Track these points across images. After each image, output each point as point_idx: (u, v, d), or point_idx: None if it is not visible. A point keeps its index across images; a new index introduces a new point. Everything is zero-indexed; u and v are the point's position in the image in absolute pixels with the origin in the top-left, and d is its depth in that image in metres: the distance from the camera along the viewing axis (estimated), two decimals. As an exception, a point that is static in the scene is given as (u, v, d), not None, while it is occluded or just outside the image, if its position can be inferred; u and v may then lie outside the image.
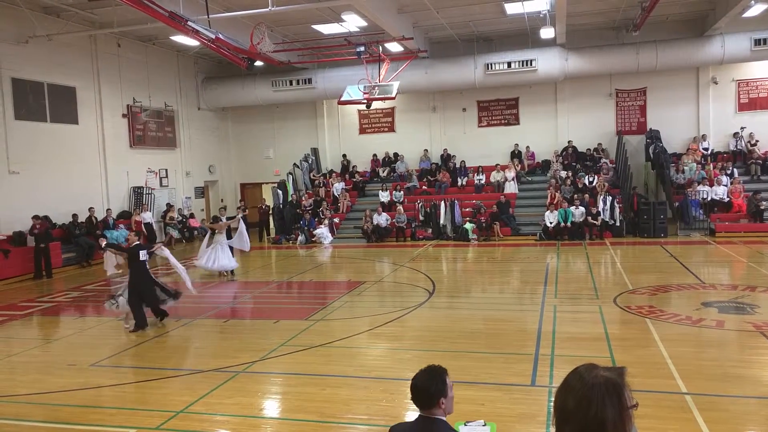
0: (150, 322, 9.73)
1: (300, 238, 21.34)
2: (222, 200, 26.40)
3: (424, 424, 2.95)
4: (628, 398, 1.77)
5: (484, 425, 3.12)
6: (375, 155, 25.01)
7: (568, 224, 19.01)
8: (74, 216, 17.86)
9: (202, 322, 10.28)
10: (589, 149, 22.92)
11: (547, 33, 19.50)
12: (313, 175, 24.86)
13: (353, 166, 25.18)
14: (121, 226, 19.39)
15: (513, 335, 8.73)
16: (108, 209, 19.37)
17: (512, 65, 21.79)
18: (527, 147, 23.53)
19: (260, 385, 7.08)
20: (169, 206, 22.40)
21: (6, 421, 6.18)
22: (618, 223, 19.33)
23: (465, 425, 3.14)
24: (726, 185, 19.75)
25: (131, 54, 21.15)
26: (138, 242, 10.12)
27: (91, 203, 18.71)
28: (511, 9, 18.71)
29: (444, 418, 2.97)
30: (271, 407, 6.56)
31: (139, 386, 7.11)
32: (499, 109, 24.25)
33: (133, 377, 7.49)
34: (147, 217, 20.45)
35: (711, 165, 20.78)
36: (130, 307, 9.57)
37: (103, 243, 10.62)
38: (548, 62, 21.54)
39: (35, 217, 16.20)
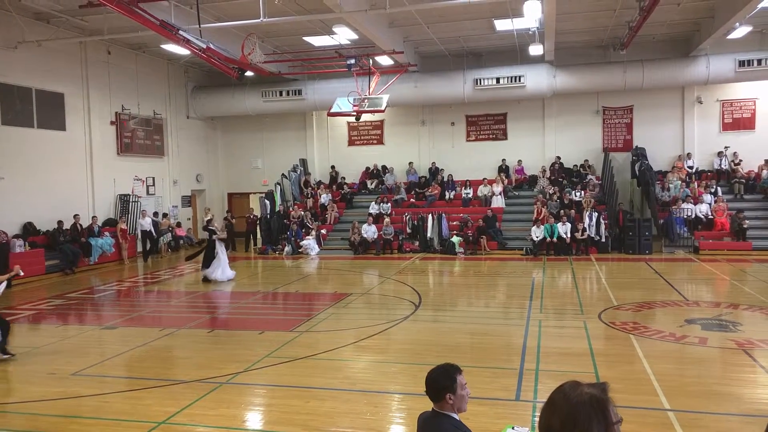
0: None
1: (287, 248, 21.27)
2: (209, 209, 26.27)
3: (433, 416, 3.12)
4: (613, 414, 1.78)
5: None
6: (368, 167, 25.06)
7: (554, 239, 19.13)
8: (59, 223, 17.70)
9: (186, 332, 10.20)
10: (575, 165, 23.14)
11: (535, 50, 19.72)
12: (309, 179, 24.82)
13: (342, 178, 25.21)
14: (107, 233, 19.25)
15: (498, 349, 8.74)
16: (94, 216, 19.20)
17: (501, 81, 21.99)
18: (519, 161, 23.67)
19: (244, 397, 7.02)
20: (165, 215, 22.36)
21: (-16, 430, 6.09)
22: (603, 239, 19.46)
23: (513, 429, 3.30)
24: (710, 203, 19.99)
25: (121, 61, 21.08)
26: None
27: (76, 210, 18.52)
28: (500, 25, 18.92)
29: (454, 415, 3.09)
30: (255, 419, 6.51)
31: (120, 396, 7.02)
32: (487, 123, 24.42)
33: (114, 387, 7.39)
34: (146, 223, 20.36)
35: (695, 183, 21.04)
36: None
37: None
38: (536, 79, 21.76)
39: None
